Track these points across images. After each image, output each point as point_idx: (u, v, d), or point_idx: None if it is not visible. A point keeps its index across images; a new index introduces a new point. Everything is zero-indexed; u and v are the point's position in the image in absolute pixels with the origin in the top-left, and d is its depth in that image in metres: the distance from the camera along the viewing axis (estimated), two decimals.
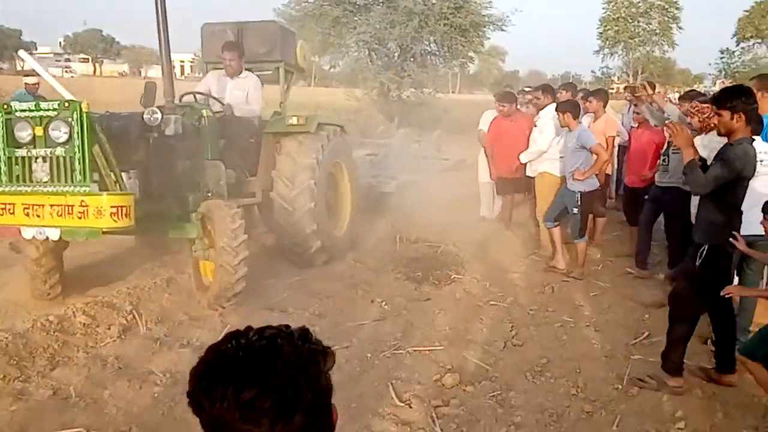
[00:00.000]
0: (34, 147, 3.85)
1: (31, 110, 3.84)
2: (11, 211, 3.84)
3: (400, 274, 5.48)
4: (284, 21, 20.12)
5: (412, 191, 7.65)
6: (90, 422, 2.89)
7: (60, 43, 65.45)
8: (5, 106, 3.89)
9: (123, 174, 4.08)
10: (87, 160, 3.75)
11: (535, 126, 6.27)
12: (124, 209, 3.72)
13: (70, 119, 3.74)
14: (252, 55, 5.79)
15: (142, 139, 4.35)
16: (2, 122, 3.86)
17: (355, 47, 19.63)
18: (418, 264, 5.74)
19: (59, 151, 3.79)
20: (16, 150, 3.87)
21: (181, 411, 3.02)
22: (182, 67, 67.05)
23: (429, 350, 3.93)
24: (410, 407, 3.23)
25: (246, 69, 5.66)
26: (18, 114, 3.86)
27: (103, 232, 3.78)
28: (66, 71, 46.40)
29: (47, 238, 3.82)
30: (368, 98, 19.23)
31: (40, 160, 3.85)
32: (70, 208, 3.72)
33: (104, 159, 3.86)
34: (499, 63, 61.20)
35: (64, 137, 3.77)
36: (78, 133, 3.73)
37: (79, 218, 3.71)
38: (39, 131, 3.82)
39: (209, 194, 4.70)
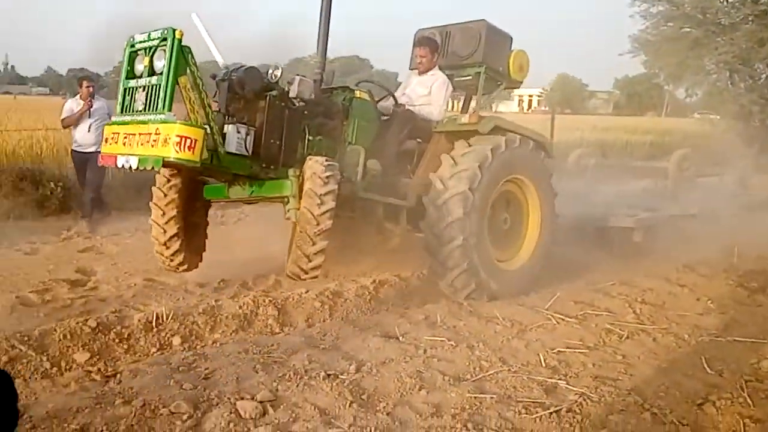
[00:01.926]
0: (141, 77, 3.89)
1: (144, 41, 3.87)
2: (116, 140, 3.93)
3: (732, 282, 5.47)
4: (638, 46, 19.62)
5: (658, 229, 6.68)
6: (450, 336, 4.03)
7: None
8: (131, 39, 3.96)
9: (233, 126, 4.06)
10: (169, 88, 3.66)
11: None
12: (189, 141, 3.59)
13: (167, 49, 3.70)
14: (455, 58, 5.40)
15: (261, 96, 4.21)
16: (128, 55, 3.95)
17: (715, 69, 18.19)
18: (755, 275, 5.59)
19: (154, 80, 3.77)
20: (130, 81, 3.96)
21: (516, 342, 3.98)
22: (530, 101, 69.62)
23: (751, 341, 4.05)
24: (720, 376, 3.52)
25: (448, 74, 5.29)
26: (137, 46, 3.92)
27: (166, 163, 3.70)
28: None
29: (131, 167, 3.79)
30: (725, 123, 17.57)
31: (140, 89, 3.86)
32: (148, 136, 3.70)
33: (193, 91, 3.77)
34: None
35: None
36: (167, 59, 3.67)
37: (152, 146, 3.67)
38: (146, 62, 3.85)
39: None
